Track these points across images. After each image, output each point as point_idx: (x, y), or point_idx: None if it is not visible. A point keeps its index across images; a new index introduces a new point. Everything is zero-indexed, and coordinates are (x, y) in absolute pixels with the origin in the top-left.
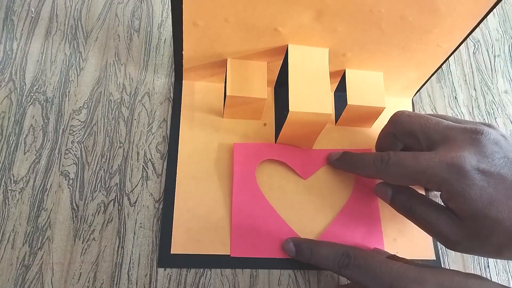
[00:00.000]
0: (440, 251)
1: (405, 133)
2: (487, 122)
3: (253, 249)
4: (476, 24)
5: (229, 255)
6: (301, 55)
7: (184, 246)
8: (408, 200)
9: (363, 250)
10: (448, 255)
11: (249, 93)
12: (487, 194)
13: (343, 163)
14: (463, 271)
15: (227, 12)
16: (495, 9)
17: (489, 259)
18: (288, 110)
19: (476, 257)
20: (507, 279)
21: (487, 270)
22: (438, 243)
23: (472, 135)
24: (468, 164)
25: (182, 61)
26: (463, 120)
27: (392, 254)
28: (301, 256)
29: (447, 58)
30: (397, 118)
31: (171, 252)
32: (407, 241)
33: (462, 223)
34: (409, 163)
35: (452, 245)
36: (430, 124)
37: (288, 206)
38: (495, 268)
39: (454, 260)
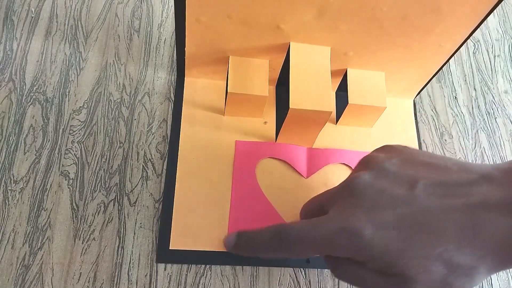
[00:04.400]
0: None
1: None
2: (375, 151)
3: None
4: (477, 24)
5: (227, 250)
6: (303, 53)
7: (182, 242)
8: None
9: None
10: None
11: (251, 91)
12: (392, 242)
13: (240, 247)
14: None
15: (229, 9)
16: (495, 9)
17: None
18: (289, 108)
19: None
20: (507, 279)
21: None
22: None
23: (347, 187)
24: (358, 224)
25: (185, 58)
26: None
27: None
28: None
29: (449, 59)
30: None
31: (169, 248)
32: None
33: (392, 278)
34: (309, 237)
35: None
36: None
37: (287, 204)
38: None
39: None
